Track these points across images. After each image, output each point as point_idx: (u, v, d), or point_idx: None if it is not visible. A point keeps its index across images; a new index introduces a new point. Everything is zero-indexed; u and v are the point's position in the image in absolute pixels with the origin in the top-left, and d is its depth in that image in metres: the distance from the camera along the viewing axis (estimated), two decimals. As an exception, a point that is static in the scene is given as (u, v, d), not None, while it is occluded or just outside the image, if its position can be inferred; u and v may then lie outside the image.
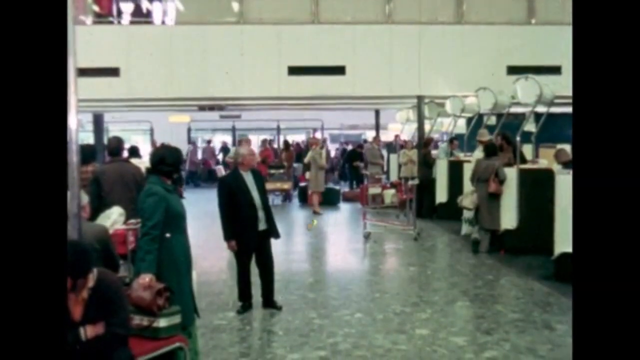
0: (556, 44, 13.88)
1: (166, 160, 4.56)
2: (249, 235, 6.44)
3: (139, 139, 25.27)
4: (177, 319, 4.40)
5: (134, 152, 9.29)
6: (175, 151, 4.79)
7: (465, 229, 11.09)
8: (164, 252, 4.51)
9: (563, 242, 7.77)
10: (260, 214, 6.50)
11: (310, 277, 8.26)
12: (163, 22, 15.01)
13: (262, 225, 6.51)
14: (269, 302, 6.72)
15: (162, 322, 4.29)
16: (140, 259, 4.48)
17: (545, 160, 11.95)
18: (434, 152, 14.57)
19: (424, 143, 14.54)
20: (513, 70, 13.23)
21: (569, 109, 18.97)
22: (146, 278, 4.32)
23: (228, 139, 27.32)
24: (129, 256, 5.76)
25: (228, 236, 6.50)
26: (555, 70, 13.42)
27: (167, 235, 4.54)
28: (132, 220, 5.96)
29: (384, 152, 19.02)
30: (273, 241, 6.75)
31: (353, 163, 19.64)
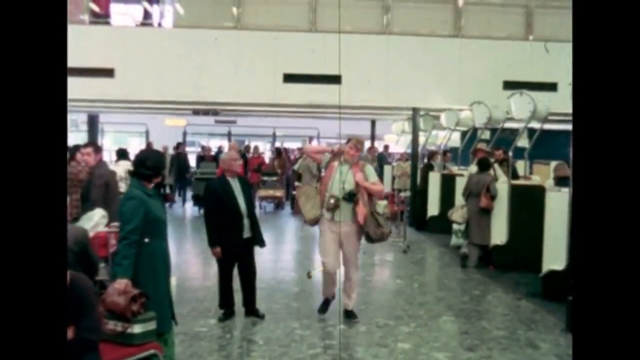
0: (553, 60, 13.87)
1: (146, 163, 4.49)
2: (232, 243, 6.36)
3: (135, 142, 25.19)
4: (152, 326, 4.33)
5: (123, 154, 9.22)
6: (157, 154, 4.72)
7: (454, 240, 11.03)
8: (142, 257, 4.43)
9: (551, 259, 7.72)
10: (246, 222, 6.42)
11: (296, 287, 8.17)
12: (160, 25, 14.98)
13: (246, 233, 6.43)
14: (250, 310, 6.64)
15: (137, 329, 4.22)
16: (117, 263, 4.41)
17: (538, 176, 11.93)
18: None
19: (428, 156, 14.50)
20: (509, 85, 13.19)
21: (564, 126, 19.02)
22: (122, 283, 4.25)
23: (224, 144, 27.22)
24: (110, 259, 5.68)
25: (212, 242, 6.43)
26: (551, 87, 13.41)
27: (146, 240, 4.47)
28: (115, 223, 5.88)
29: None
30: (261, 249, 6.68)
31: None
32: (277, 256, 10.48)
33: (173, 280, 4.77)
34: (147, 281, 4.43)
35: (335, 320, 6.55)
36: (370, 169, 6.56)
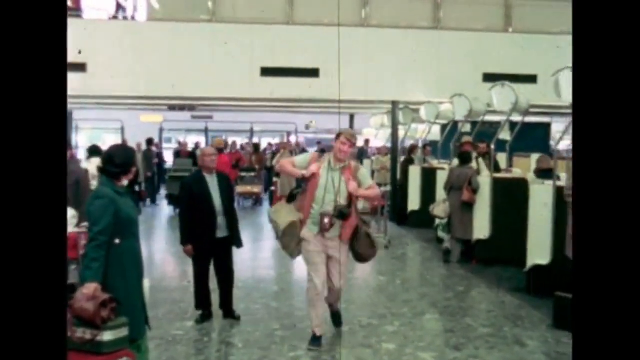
0: (533, 52, 13.78)
1: (115, 160, 4.22)
2: (204, 241, 6.14)
3: (110, 139, 24.72)
4: (123, 332, 4.06)
5: (95, 151, 8.91)
6: (126, 151, 4.45)
7: (440, 233, 10.85)
8: (112, 259, 4.16)
9: (536, 254, 7.59)
10: (221, 220, 6.17)
11: (275, 286, 7.96)
12: (133, 18, 14.62)
13: (222, 233, 6.18)
14: (226, 312, 6.40)
15: (107, 336, 3.95)
16: (85, 266, 4.14)
17: (519, 169, 11.83)
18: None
19: (408, 150, 14.32)
20: (489, 77, 13.06)
21: (543, 119, 19.00)
22: (91, 287, 3.98)
23: (202, 140, 26.88)
24: (80, 261, 5.41)
25: (184, 240, 6.21)
26: (531, 79, 13.30)
27: (117, 241, 4.20)
28: (86, 223, 5.61)
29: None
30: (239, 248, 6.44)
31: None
32: (255, 254, 10.26)
33: (146, 283, 4.48)
34: (118, 285, 4.16)
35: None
36: (364, 172, 5.65)
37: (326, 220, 5.27)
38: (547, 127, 20.14)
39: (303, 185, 5.55)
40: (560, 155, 8.54)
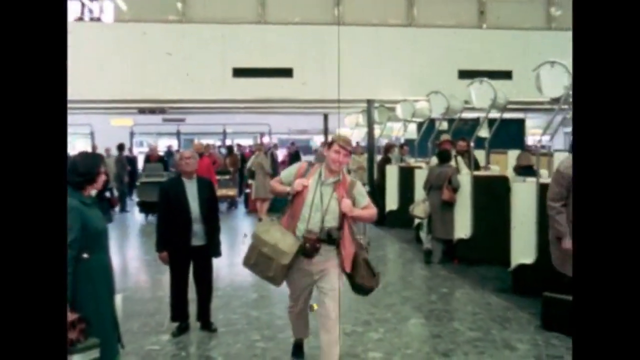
0: (507, 48, 13.70)
1: (78, 169, 3.93)
2: (179, 249, 5.87)
3: (80, 144, 24.16)
4: (94, 354, 3.77)
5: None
6: (89, 158, 4.15)
7: (420, 233, 10.65)
8: (81, 275, 3.86)
9: (520, 253, 7.44)
10: (197, 228, 5.88)
11: (254, 293, 7.67)
12: (99, 19, 14.22)
13: (198, 241, 5.90)
14: (203, 323, 6.13)
15: (76, 359, 3.67)
16: (51, 284, 3.84)
17: (497, 166, 11.71)
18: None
19: (385, 149, 14.13)
20: (464, 74, 12.95)
21: (517, 115, 18.99)
22: (57, 307, 3.69)
23: (174, 143, 26.45)
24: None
25: (159, 247, 5.93)
26: (506, 75, 13.21)
27: (85, 256, 3.90)
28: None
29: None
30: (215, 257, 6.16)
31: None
32: (232, 259, 9.93)
33: (118, 299, 4.20)
34: (88, 303, 3.87)
35: (299, 329, 6.10)
36: (360, 188, 4.72)
37: (308, 244, 4.49)
38: (521, 123, 20.17)
39: (288, 201, 4.73)
40: (541, 151, 8.41)
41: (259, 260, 4.60)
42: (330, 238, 4.51)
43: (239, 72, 13.23)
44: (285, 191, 4.69)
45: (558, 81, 7.10)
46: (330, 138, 4.82)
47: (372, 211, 4.72)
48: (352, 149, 4.73)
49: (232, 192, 16.60)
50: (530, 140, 23.84)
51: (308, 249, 4.52)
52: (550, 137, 8.67)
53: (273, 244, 4.50)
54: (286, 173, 4.83)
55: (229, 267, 9.16)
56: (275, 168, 19.73)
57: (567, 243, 5.53)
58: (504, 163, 12.34)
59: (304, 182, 4.56)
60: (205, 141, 21.91)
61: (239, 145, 23.07)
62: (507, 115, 14.57)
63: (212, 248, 6.00)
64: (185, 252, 5.91)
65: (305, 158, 20.12)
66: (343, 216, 4.52)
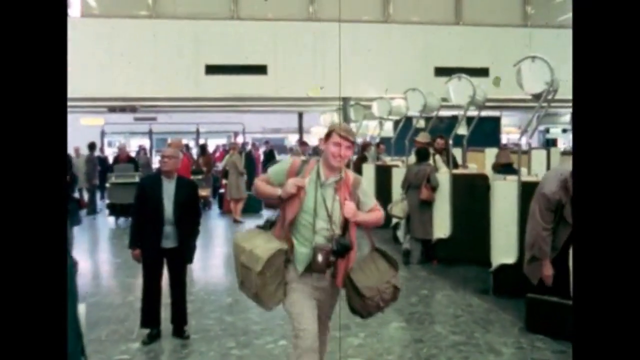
0: (483, 45, 13.60)
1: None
2: (150, 250, 5.62)
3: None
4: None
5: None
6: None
7: (398, 233, 10.46)
8: (40, 283, 3.59)
9: (501, 253, 7.28)
10: (169, 230, 5.59)
11: (229, 297, 7.38)
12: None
13: (169, 243, 5.62)
14: (175, 330, 5.85)
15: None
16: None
17: (475, 164, 11.58)
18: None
19: (361, 147, 13.92)
20: (441, 71, 12.81)
21: (493, 112, 18.94)
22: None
23: (146, 142, 25.98)
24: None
25: (131, 244, 5.68)
26: (482, 72, 13.10)
27: (45, 262, 3.62)
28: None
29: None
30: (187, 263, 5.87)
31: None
32: (205, 262, 9.69)
33: (82, 308, 3.91)
34: (48, 313, 3.59)
35: (278, 335, 5.85)
36: (365, 187, 3.91)
37: (320, 257, 3.62)
38: (497, 121, 20.14)
39: (279, 211, 3.87)
40: (523, 149, 8.27)
41: (242, 274, 3.76)
42: (345, 249, 3.65)
43: (211, 69, 12.92)
44: (274, 194, 3.76)
45: (539, 77, 6.95)
46: (327, 128, 3.93)
47: (379, 214, 3.91)
48: (355, 140, 3.81)
49: (205, 192, 16.24)
50: (505, 138, 23.95)
51: (320, 264, 3.64)
52: (530, 134, 8.50)
53: (249, 249, 3.69)
54: (275, 170, 3.91)
55: (202, 270, 8.90)
56: (254, 169, 19.46)
57: (548, 269, 5.50)
58: (481, 161, 12.24)
59: (300, 183, 3.67)
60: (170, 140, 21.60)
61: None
62: (484, 113, 14.53)
63: (185, 252, 5.71)
64: (156, 254, 5.64)
65: (280, 157, 19.86)
66: (345, 222, 3.70)
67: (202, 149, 18.59)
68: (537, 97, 7.21)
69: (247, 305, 6.96)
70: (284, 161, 4.03)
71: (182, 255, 5.71)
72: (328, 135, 3.77)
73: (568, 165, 5.60)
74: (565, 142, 24.88)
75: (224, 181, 14.82)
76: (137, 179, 12.38)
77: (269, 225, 3.89)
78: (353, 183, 3.80)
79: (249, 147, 22.41)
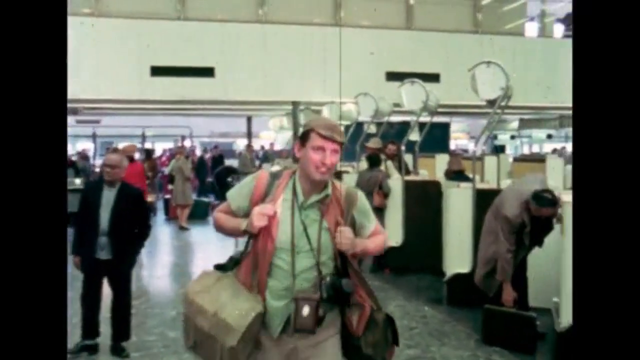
0: (435, 51, 13.54)
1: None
2: (85, 260, 5.31)
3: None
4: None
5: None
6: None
7: None
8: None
9: (455, 262, 7.14)
10: (103, 241, 5.21)
11: (173, 310, 6.99)
12: None
13: (103, 255, 5.23)
14: (112, 347, 5.46)
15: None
16: None
17: (426, 170, 11.48)
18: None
19: None
20: (392, 76, 12.68)
21: (442, 118, 18.98)
22: None
23: (89, 146, 25.18)
24: None
25: (73, 250, 5.34)
26: (434, 77, 13.03)
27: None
28: None
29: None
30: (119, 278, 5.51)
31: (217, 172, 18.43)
32: (149, 271, 9.26)
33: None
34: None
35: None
36: (363, 204, 2.81)
37: (306, 310, 2.58)
38: (446, 127, 20.22)
39: (248, 244, 2.75)
40: (472, 155, 8.14)
41: (200, 339, 2.65)
42: (343, 294, 2.63)
43: (157, 71, 12.48)
44: (238, 229, 2.73)
45: (494, 82, 6.83)
46: (301, 126, 3.04)
47: (382, 238, 2.90)
48: (343, 138, 2.72)
49: (150, 198, 15.74)
50: (453, 144, 24.12)
51: (305, 321, 2.59)
52: (483, 141, 8.41)
53: (213, 312, 2.59)
54: (235, 194, 2.83)
55: (146, 279, 8.48)
56: (205, 174, 18.99)
57: (510, 293, 5.44)
58: (432, 167, 12.15)
59: (268, 211, 2.62)
60: (122, 144, 20.97)
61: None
62: (435, 119, 14.49)
63: (120, 265, 5.34)
64: (93, 264, 5.28)
65: (229, 162, 19.45)
66: (340, 254, 2.66)
67: (147, 153, 18.08)
68: (491, 103, 7.09)
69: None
70: (246, 180, 2.85)
71: (119, 268, 5.35)
72: (305, 137, 2.69)
73: (529, 185, 5.49)
74: (511, 149, 25.22)
75: (169, 186, 14.37)
76: (77, 185, 11.86)
77: (232, 265, 2.77)
78: (346, 199, 2.75)
79: (199, 152, 21.97)
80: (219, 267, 2.79)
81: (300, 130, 2.77)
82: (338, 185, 2.77)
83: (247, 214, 2.71)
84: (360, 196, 2.81)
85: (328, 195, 2.71)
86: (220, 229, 2.89)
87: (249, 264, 2.71)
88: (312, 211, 2.69)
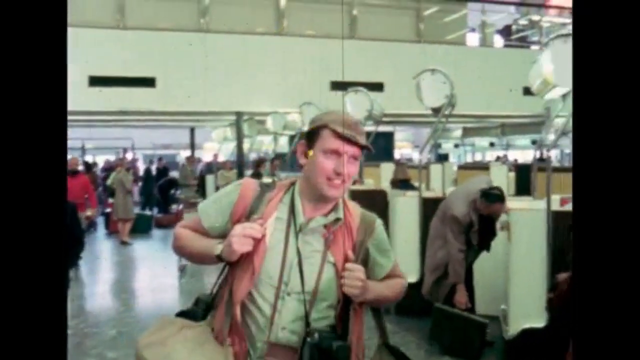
0: (379, 60, 13.58)
1: None
2: None
3: None
4: None
5: None
6: None
7: None
8: None
9: (402, 271, 7.05)
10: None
11: (112, 329, 6.71)
12: None
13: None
14: None
15: None
16: None
17: (371, 180, 11.46)
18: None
19: (255, 164, 13.44)
20: (336, 85, 12.65)
21: (386, 128, 19.08)
22: None
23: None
24: None
25: None
26: (377, 87, 13.04)
27: None
28: None
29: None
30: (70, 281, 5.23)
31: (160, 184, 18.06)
32: (89, 289, 8.90)
33: None
34: None
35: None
36: (382, 236, 2.21)
37: None
38: (390, 136, 20.34)
39: (223, 276, 2.08)
40: (419, 164, 8.15)
41: None
42: (327, 357, 1.87)
43: (95, 81, 12.10)
44: (209, 254, 1.98)
45: (439, 91, 6.84)
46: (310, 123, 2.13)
47: (401, 283, 2.33)
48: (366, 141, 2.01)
49: (90, 212, 15.25)
50: (398, 153, 24.28)
51: None
52: (428, 149, 8.41)
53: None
54: (209, 207, 2.11)
55: (84, 297, 8.15)
56: (151, 188, 18.48)
57: (463, 295, 5.44)
58: (377, 176, 12.14)
59: (255, 233, 1.91)
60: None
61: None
62: (379, 128, 14.53)
63: None
64: None
65: (173, 174, 19.05)
66: (345, 300, 1.98)
67: (87, 166, 17.60)
68: (436, 111, 7.09)
69: (134, 337, 6.35)
70: (227, 189, 2.12)
71: None
72: (313, 136, 2.00)
73: (475, 185, 5.48)
74: (455, 157, 25.57)
75: (110, 200, 13.96)
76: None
77: (201, 312, 2.06)
78: (361, 227, 2.09)
79: (142, 164, 21.46)
80: (182, 315, 2.07)
81: (303, 129, 2.19)
82: (350, 206, 2.11)
83: (223, 235, 1.96)
84: (379, 224, 2.18)
85: (339, 219, 2.02)
86: (181, 250, 2.13)
87: (223, 307, 1.98)
88: (313, 238, 1.99)
